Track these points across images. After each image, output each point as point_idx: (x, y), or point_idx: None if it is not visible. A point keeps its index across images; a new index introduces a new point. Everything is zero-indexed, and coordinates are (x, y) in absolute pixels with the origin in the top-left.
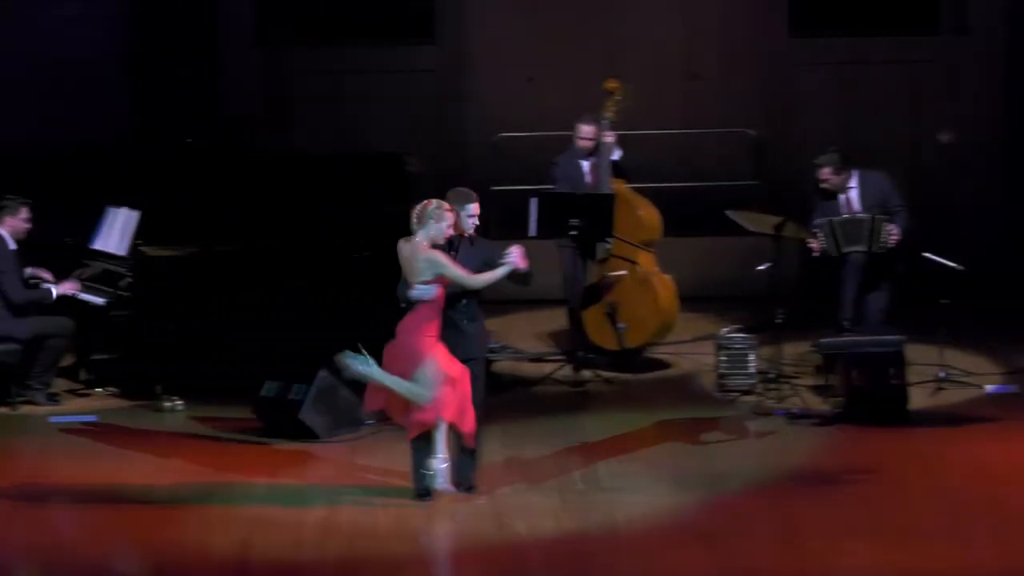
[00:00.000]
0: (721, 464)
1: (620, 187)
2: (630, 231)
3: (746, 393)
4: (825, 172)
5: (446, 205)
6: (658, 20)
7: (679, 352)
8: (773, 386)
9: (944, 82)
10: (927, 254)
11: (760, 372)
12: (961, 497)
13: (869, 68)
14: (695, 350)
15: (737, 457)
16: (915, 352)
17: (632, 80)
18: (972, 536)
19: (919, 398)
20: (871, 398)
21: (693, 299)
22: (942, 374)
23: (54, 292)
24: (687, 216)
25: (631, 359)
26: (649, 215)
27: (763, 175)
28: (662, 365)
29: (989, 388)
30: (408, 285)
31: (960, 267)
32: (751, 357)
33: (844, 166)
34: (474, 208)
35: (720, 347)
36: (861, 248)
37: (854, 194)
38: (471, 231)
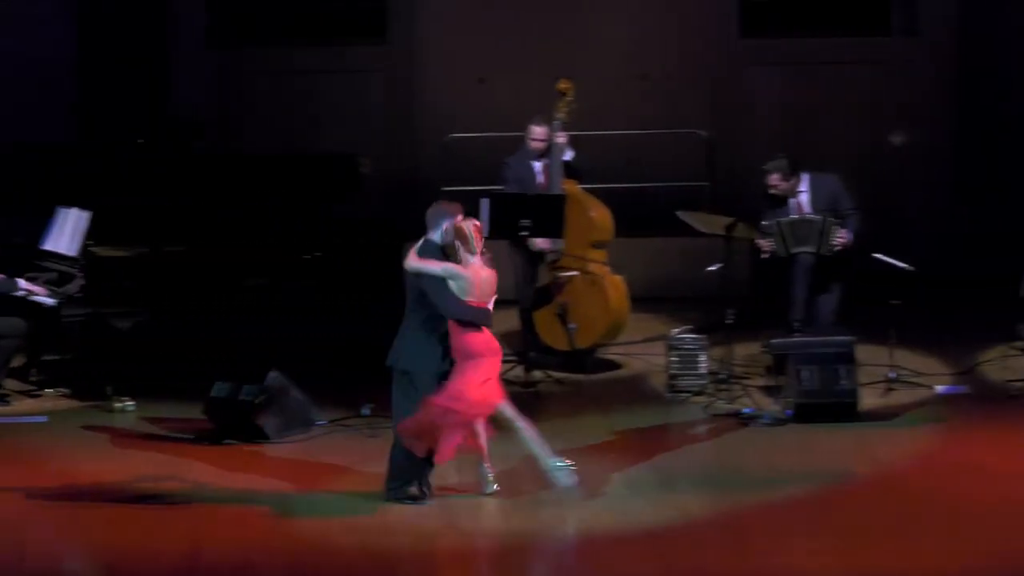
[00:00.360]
0: (671, 465)
1: (572, 188)
2: (581, 232)
3: (697, 394)
4: (774, 179)
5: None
6: (609, 21)
7: (630, 353)
8: (724, 387)
9: (895, 83)
10: (877, 255)
11: (711, 373)
12: (911, 496)
13: (820, 69)
14: (646, 351)
15: (687, 458)
16: (865, 353)
17: (584, 81)
18: (923, 535)
19: (869, 399)
20: (821, 399)
21: (644, 300)
22: (892, 375)
23: (20, 283)
24: (638, 217)
25: (582, 359)
26: (600, 216)
27: (714, 176)
28: (613, 366)
29: (939, 389)
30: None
31: (910, 268)
32: (702, 358)
33: (793, 172)
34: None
35: (671, 348)
36: (810, 249)
37: (804, 198)
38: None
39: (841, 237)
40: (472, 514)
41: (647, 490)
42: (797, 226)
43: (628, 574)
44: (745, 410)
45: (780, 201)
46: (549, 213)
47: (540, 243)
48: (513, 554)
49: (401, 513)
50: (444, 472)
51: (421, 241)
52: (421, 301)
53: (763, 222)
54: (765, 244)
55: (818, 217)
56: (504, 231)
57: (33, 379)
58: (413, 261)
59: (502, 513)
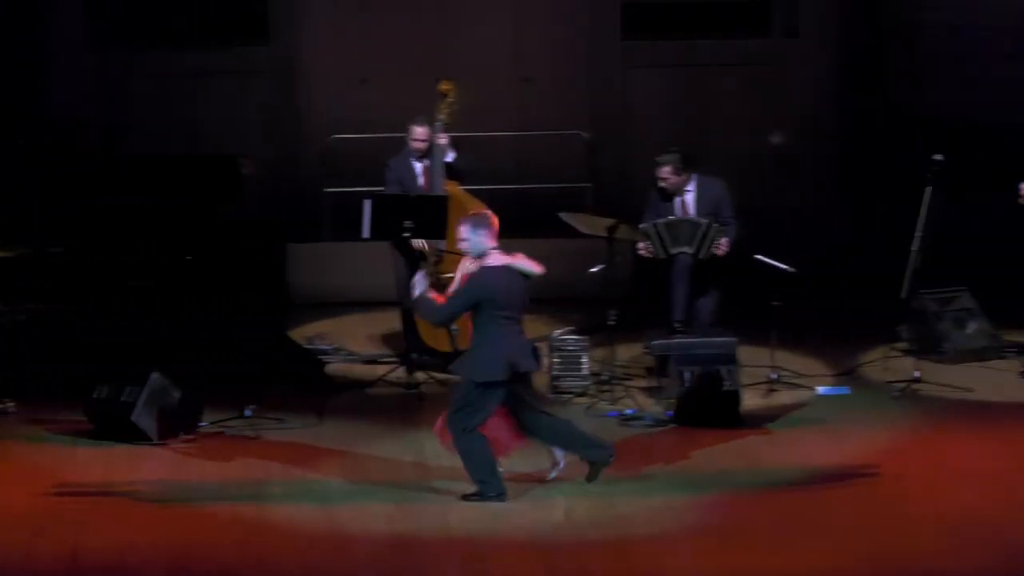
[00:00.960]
0: (544, 465)
1: (453, 189)
2: None
3: (579, 395)
4: (665, 171)
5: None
6: (491, 22)
7: None
8: (606, 388)
9: (777, 84)
10: (758, 256)
11: (593, 374)
12: (790, 497)
13: (702, 70)
14: None
15: (568, 460)
16: (747, 354)
17: (466, 82)
18: (799, 536)
19: (751, 399)
20: (703, 400)
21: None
22: (773, 375)
23: None
24: (521, 218)
25: None
26: None
27: (596, 177)
28: None
29: (820, 390)
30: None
31: (792, 269)
32: (584, 359)
33: (685, 167)
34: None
35: (553, 349)
36: (687, 249)
37: (690, 198)
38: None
39: (722, 247)
40: (352, 515)
41: (529, 492)
42: (674, 227)
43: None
44: (627, 411)
45: (666, 197)
46: (431, 214)
47: (420, 242)
48: (394, 556)
49: None
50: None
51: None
52: None
53: (640, 224)
54: (644, 248)
55: (703, 221)
56: (386, 232)
57: None
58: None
59: (374, 514)
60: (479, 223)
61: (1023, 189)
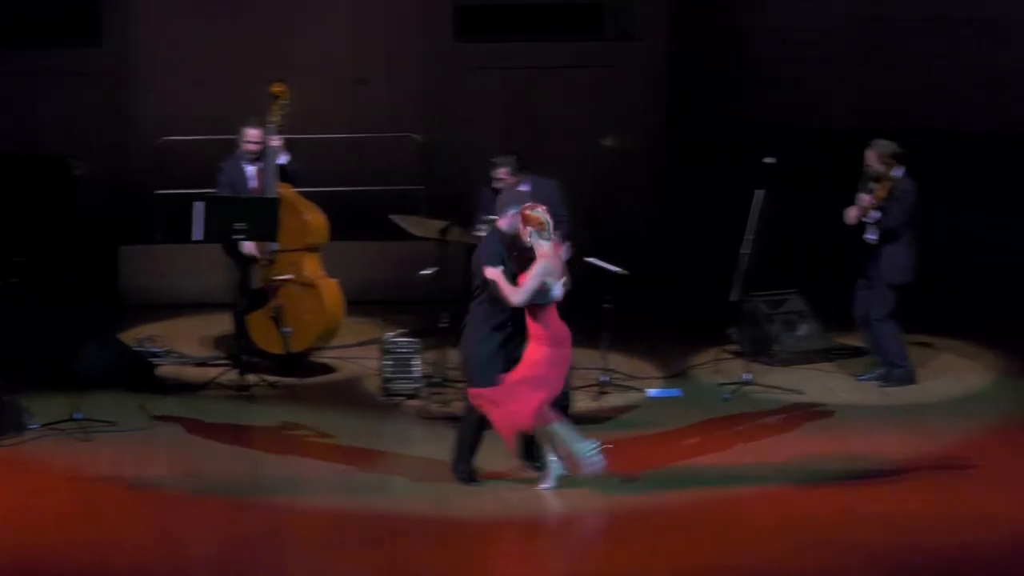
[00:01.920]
0: (385, 467)
1: (286, 191)
2: (296, 235)
3: (410, 397)
4: (502, 172)
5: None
6: (325, 24)
7: (344, 356)
8: (437, 390)
9: (609, 86)
10: (590, 258)
11: (425, 376)
12: (621, 499)
13: (535, 72)
14: (360, 354)
15: (399, 461)
16: (578, 356)
17: (300, 84)
18: (630, 538)
19: (582, 401)
20: None
21: (359, 303)
22: (604, 378)
23: None
24: (353, 221)
25: (297, 363)
26: (315, 219)
27: (430, 180)
28: (327, 369)
29: (650, 392)
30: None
31: (623, 271)
32: (416, 361)
33: (520, 169)
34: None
35: (385, 351)
36: None
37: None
38: None
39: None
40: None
41: (364, 489)
42: None
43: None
44: (457, 413)
45: None
46: (264, 216)
47: (249, 248)
48: (233, 553)
49: None
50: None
51: (489, 231)
52: None
53: (476, 223)
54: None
55: None
56: (219, 234)
57: None
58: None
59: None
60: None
61: (861, 200)
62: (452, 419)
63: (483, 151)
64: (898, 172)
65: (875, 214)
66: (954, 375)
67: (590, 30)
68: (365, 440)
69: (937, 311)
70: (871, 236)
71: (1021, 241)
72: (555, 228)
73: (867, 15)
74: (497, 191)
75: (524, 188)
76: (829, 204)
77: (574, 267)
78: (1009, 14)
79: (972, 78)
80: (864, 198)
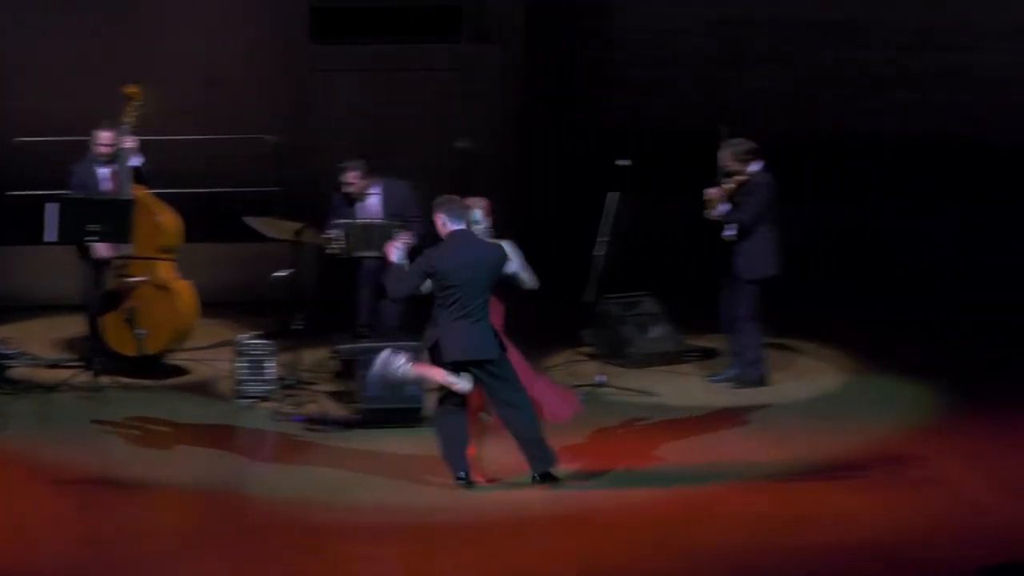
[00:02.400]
0: (241, 469)
1: (140, 193)
2: (150, 237)
3: (264, 399)
4: (352, 176)
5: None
6: (179, 24)
7: (198, 358)
8: (292, 392)
9: (465, 88)
10: None
11: (279, 378)
12: (482, 502)
13: (392, 74)
14: (214, 356)
15: (252, 463)
16: None
17: (154, 85)
18: (490, 540)
19: (434, 403)
20: (388, 404)
21: (213, 305)
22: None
23: None
24: (208, 222)
25: (150, 365)
26: (169, 221)
27: (284, 181)
28: (181, 371)
29: None
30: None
31: None
32: (269, 363)
33: (370, 172)
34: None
35: (239, 353)
36: (375, 253)
37: (375, 200)
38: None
39: (403, 238)
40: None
41: (216, 493)
42: (361, 229)
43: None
44: (312, 415)
45: (350, 201)
46: (117, 218)
47: (101, 250)
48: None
49: None
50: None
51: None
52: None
53: (332, 222)
54: (331, 248)
55: (385, 222)
56: (72, 236)
57: None
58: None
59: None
60: (443, 205)
61: (708, 194)
62: (309, 420)
63: (339, 153)
64: (755, 167)
65: (723, 208)
66: (806, 377)
67: (447, 33)
68: (219, 442)
69: (793, 311)
70: (729, 233)
71: (873, 240)
72: (408, 229)
73: (724, 18)
74: (347, 196)
75: (375, 191)
76: (686, 205)
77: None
78: (868, 17)
79: (831, 81)
80: (711, 191)
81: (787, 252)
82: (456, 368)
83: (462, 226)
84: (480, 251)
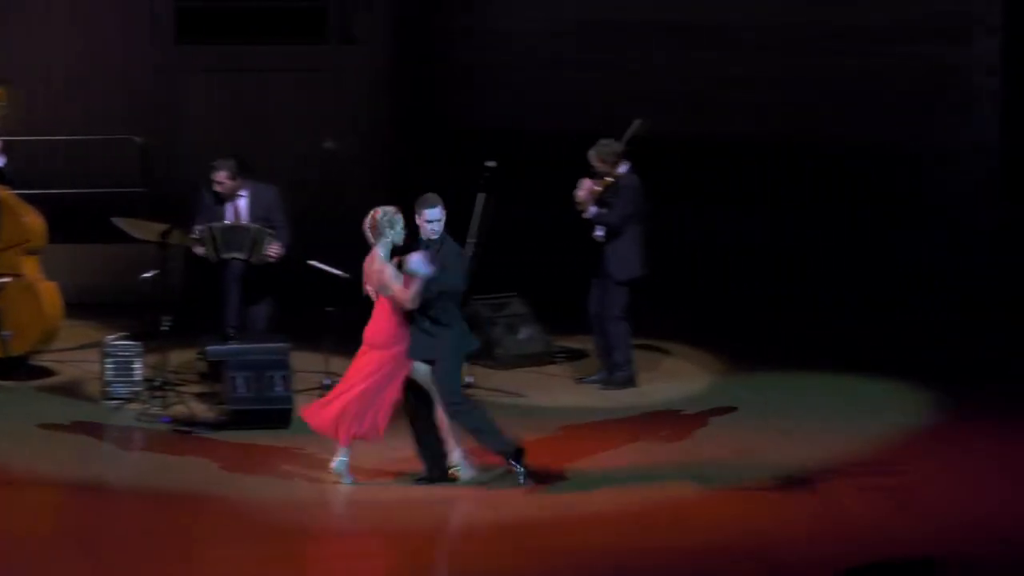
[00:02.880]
0: (105, 471)
1: (4, 193)
2: (14, 237)
3: (131, 400)
4: (221, 175)
5: (393, 210)
6: (46, 26)
7: (64, 360)
8: (159, 393)
9: (332, 90)
10: (313, 262)
11: (146, 379)
12: (344, 500)
13: (258, 75)
14: (81, 357)
15: (121, 463)
16: (300, 359)
17: (20, 86)
18: (356, 540)
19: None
20: (256, 405)
21: (79, 306)
22: (327, 381)
23: None
24: (74, 223)
25: (15, 367)
26: (34, 222)
27: (151, 182)
28: (47, 373)
29: None
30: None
31: (346, 275)
32: (137, 364)
33: (239, 173)
34: (431, 213)
35: (106, 354)
36: (240, 256)
37: (243, 203)
38: (431, 236)
39: (274, 251)
40: None
41: (82, 495)
42: (228, 232)
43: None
44: (179, 417)
45: (219, 201)
46: None
47: None
48: None
49: None
50: None
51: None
52: None
53: (196, 226)
54: (198, 249)
55: (252, 226)
56: None
57: None
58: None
59: None
60: None
61: (578, 196)
62: (176, 421)
63: (205, 154)
64: (622, 169)
65: (593, 209)
66: (674, 378)
67: (314, 34)
68: (85, 443)
69: (661, 312)
70: (599, 233)
71: (739, 241)
72: (274, 235)
73: (591, 20)
74: (216, 194)
75: (242, 194)
76: (553, 206)
77: (297, 271)
78: (738, 21)
79: (698, 83)
80: (580, 193)
81: (653, 253)
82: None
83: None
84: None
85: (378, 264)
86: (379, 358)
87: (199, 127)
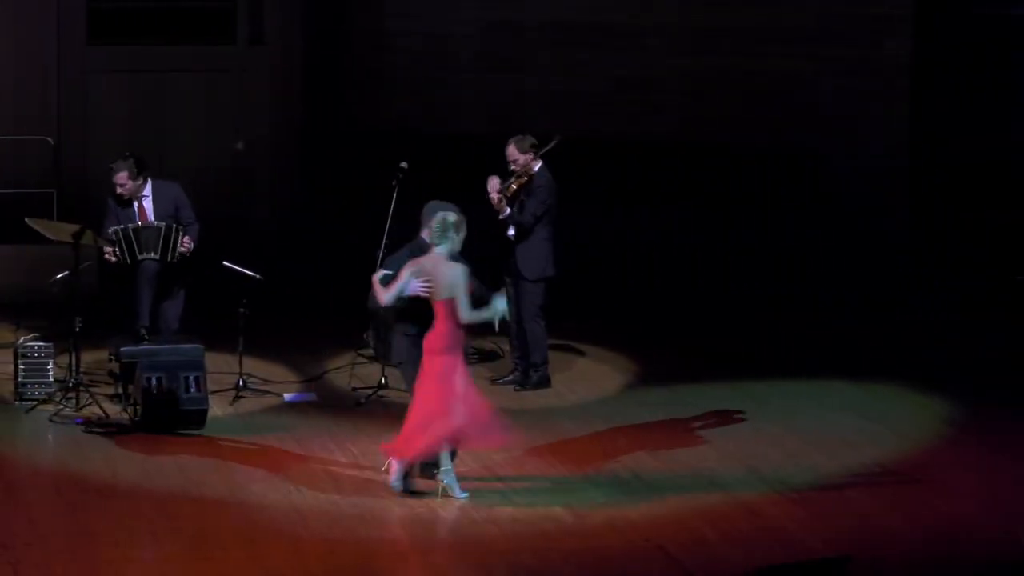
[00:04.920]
0: (14, 473)
1: None
2: None
3: (44, 402)
4: (121, 177)
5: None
6: None
7: None
8: (72, 394)
9: (241, 91)
10: (226, 262)
11: (58, 381)
12: (257, 503)
13: (167, 76)
14: None
15: (29, 468)
16: (214, 360)
17: None
18: (268, 543)
19: (218, 406)
20: (169, 406)
21: None
22: (241, 382)
23: None
24: None
25: None
26: None
27: (61, 182)
28: None
29: (287, 396)
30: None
31: (258, 276)
32: (49, 365)
33: (140, 172)
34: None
35: (18, 355)
36: (154, 256)
37: (147, 202)
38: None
39: (185, 244)
40: None
41: None
42: (140, 233)
43: None
44: (92, 418)
45: (124, 203)
46: None
47: None
48: None
49: None
50: None
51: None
52: None
53: (108, 229)
54: (110, 254)
55: (163, 224)
56: None
57: None
58: None
59: None
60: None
61: (492, 196)
62: (89, 423)
63: (117, 155)
64: (535, 166)
65: (508, 211)
66: (588, 380)
67: (222, 35)
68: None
69: (573, 312)
70: (511, 233)
71: (652, 243)
72: (183, 231)
73: (497, 21)
74: (119, 198)
75: (146, 193)
76: (465, 206)
77: (210, 272)
78: (648, 23)
79: (605, 85)
80: (493, 194)
81: (565, 253)
82: None
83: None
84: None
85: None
86: (437, 363)
87: (109, 128)
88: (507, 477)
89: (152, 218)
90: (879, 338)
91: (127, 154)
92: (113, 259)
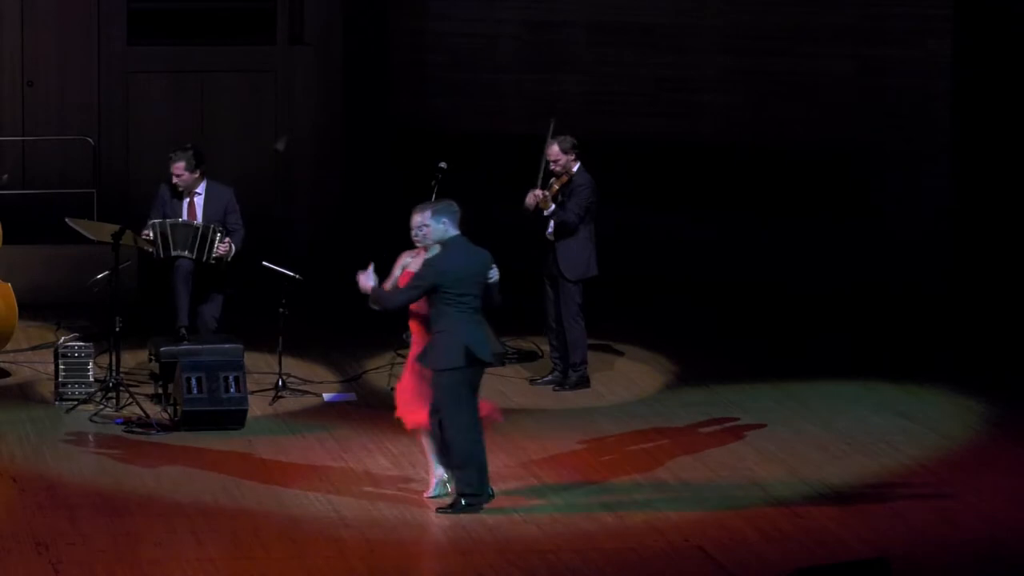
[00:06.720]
0: (58, 476)
1: None
2: None
3: (85, 402)
4: (178, 167)
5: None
6: None
7: (17, 361)
8: (112, 395)
9: (282, 91)
10: (266, 262)
11: (99, 381)
12: (297, 503)
13: (209, 77)
14: (34, 359)
15: (75, 463)
16: (253, 360)
17: None
18: (309, 543)
19: (258, 406)
20: (209, 406)
21: (32, 307)
22: (280, 382)
23: None
24: (27, 224)
25: None
26: None
27: (101, 183)
28: (1, 374)
29: (326, 396)
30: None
31: (298, 276)
32: (89, 366)
33: (197, 166)
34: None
35: (59, 355)
36: (188, 255)
37: (199, 200)
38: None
39: (223, 245)
40: None
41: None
42: (176, 230)
43: None
44: (132, 418)
45: (177, 195)
46: None
47: None
48: None
49: None
50: None
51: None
52: None
53: (149, 220)
54: (148, 246)
55: (201, 224)
56: None
57: None
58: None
59: None
60: (444, 210)
61: (535, 195)
62: (129, 423)
63: (156, 155)
64: (575, 167)
65: (553, 207)
66: (627, 380)
67: (262, 34)
68: (37, 444)
69: (613, 313)
70: (549, 231)
71: (693, 242)
72: (228, 237)
73: (538, 21)
74: (174, 187)
75: (199, 191)
76: (505, 206)
77: (250, 272)
78: (689, 23)
79: (641, 85)
80: (536, 193)
81: (605, 253)
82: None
83: (458, 231)
84: (477, 255)
85: None
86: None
87: (150, 128)
88: (547, 478)
89: (200, 218)
90: (920, 338)
91: (187, 145)
92: (149, 249)
